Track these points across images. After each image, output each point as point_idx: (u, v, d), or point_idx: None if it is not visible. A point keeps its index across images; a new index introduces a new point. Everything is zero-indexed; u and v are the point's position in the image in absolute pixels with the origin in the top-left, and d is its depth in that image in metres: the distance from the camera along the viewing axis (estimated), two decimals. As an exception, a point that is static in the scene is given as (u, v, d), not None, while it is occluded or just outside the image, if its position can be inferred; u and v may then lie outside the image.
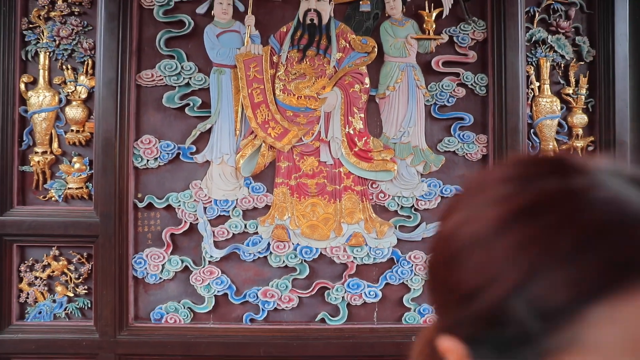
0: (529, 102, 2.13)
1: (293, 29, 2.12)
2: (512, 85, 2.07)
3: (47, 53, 2.06)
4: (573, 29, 2.16)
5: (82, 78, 2.06)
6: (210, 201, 2.09)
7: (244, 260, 2.10)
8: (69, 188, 2.06)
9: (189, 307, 2.09)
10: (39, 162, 2.05)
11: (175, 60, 2.08)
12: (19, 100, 2.06)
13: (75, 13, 2.07)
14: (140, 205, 2.08)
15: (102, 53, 2.02)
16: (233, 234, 2.10)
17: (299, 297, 2.10)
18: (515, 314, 0.32)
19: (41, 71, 2.06)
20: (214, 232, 2.09)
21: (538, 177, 0.33)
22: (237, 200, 2.10)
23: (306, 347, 2.03)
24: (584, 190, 0.31)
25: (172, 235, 2.10)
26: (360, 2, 2.13)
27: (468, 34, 2.13)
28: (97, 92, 2.02)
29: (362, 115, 2.13)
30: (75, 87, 2.06)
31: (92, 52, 2.06)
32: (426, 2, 2.11)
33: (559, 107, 2.14)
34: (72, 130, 2.07)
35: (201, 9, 2.09)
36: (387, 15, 2.14)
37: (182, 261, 2.09)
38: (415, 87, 2.12)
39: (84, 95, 2.06)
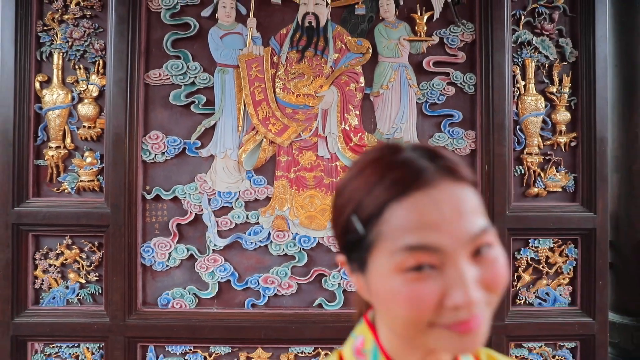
0: (515, 100, 2.21)
1: (292, 31, 2.21)
2: (499, 84, 2.15)
3: (61, 54, 2.15)
4: (557, 31, 2.24)
5: (93, 77, 2.15)
6: (214, 193, 2.18)
7: (246, 249, 2.19)
8: (81, 181, 2.14)
9: (194, 293, 2.18)
10: (53, 156, 2.13)
11: (181, 60, 2.17)
12: (34, 98, 2.15)
13: (87, 16, 2.16)
14: (148, 197, 2.17)
15: (113, 53, 2.10)
16: (236, 224, 2.19)
17: (297, 283, 2.19)
18: (354, 224, 0.54)
19: (55, 71, 2.14)
20: (217, 222, 2.18)
21: (376, 150, 0.57)
22: (239, 192, 2.19)
23: (304, 331, 2.12)
24: (391, 154, 0.55)
25: (178, 225, 2.19)
26: (356, 6, 2.23)
27: (457, 36, 2.22)
28: (108, 91, 2.11)
29: (358, 112, 2.22)
30: (87, 85, 2.15)
31: (103, 52, 2.14)
32: (418, 6, 2.20)
33: (543, 105, 2.22)
34: (84, 126, 2.15)
35: (206, 12, 2.18)
36: (381, 18, 2.23)
37: (188, 249, 2.18)
38: (408, 86, 2.20)
39: (95, 94, 2.15)
